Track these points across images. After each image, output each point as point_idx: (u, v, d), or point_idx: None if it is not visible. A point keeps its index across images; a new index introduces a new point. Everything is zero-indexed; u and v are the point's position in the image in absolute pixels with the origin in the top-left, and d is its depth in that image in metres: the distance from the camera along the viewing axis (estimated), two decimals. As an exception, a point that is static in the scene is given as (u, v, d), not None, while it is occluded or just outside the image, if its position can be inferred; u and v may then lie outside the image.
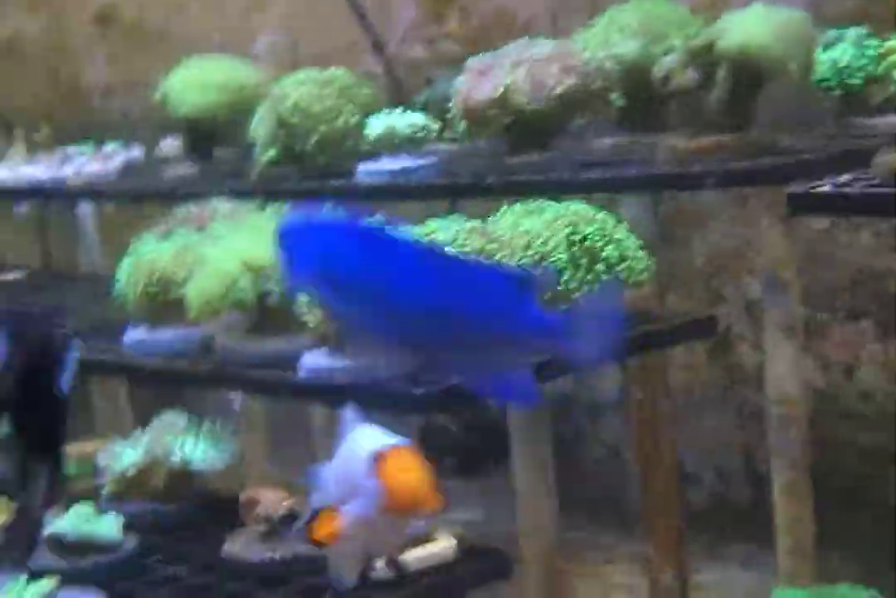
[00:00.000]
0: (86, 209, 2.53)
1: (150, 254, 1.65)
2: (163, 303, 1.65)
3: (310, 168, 2.18)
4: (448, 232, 1.58)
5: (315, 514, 1.04)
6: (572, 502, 1.78)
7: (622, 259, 1.64)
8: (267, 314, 1.56)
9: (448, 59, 2.76)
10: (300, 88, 2.19)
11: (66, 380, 1.36)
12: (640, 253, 1.66)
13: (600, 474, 2.54)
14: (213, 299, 1.52)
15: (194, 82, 2.31)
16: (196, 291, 1.53)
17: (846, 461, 2.21)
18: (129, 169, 2.58)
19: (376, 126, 2.07)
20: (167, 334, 1.67)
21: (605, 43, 1.98)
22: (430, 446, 2.40)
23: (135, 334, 1.71)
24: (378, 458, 0.95)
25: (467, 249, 1.55)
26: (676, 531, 1.87)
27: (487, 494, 2.51)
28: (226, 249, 1.56)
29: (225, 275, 1.50)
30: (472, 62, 1.96)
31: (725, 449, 2.37)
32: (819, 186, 1.43)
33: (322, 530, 0.98)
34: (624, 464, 2.53)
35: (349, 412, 1.04)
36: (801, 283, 1.91)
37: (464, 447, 2.44)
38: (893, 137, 1.78)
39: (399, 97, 2.69)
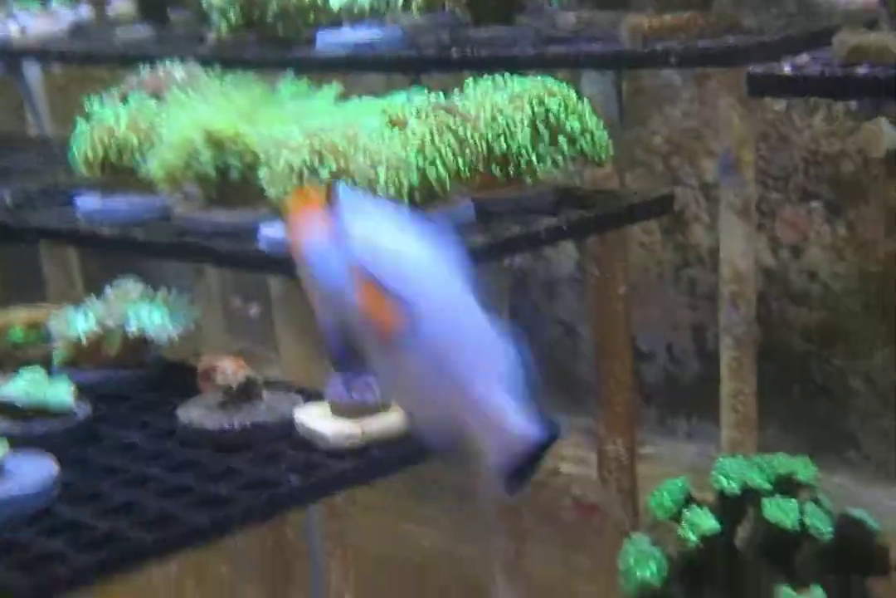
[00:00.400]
0: (33, 70, 2.46)
1: (107, 119, 1.63)
2: (120, 170, 1.64)
3: (269, 36, 2.13)
4: (412, 106, 1.57)
5: None
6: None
7: (584, 133, 1.65)
8: (226, 186, 1.56)
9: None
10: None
11: None
12: (601, 130, 1.67)
13: (554, 350, 2.60)
14: (176, 170, 1.51)
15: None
16: (158, 162, 1.52)
17: (791, 339, 2.28)
18: (78, 30, 2.49)
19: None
20: (123, 202, 1.66)
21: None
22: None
23: (90, 202, 1.69)
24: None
25: (432, 123, 1.55)
26: (627, 405, 1.93)
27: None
28: (187, 118, 1.54)
29: (187, 146, 1.49)
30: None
31: (677, 327, 2.44)
32: (779, 66, 1.43)
33: None
34: (577, 341, 2.60)
35: None
36: (755, 163, 1.93)
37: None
38: (850, 17, 1.79)
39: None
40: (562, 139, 1.63)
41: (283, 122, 1.53)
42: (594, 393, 1.93)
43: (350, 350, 0.97)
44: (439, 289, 0.94)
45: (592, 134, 1.66)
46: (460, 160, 1.54)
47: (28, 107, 2.50)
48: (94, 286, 1.62)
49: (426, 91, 1.68)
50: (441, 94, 1.65)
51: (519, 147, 1.57)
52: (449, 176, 1.52)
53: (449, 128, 1.55)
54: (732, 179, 1.87)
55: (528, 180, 1.60)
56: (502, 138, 1.58)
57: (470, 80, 1.68)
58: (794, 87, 1.39)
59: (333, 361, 1.05)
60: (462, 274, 0.95)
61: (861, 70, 1.33)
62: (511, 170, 1.59)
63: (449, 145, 1.54)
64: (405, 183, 1.46)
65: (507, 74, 1.67)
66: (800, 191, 2.23)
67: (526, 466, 0.97)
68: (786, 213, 2.27)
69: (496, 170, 1.58)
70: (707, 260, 2.38)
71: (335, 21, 2.08)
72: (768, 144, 2.25)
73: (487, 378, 0.95)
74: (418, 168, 1.49)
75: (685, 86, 2.36)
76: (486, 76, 1.69)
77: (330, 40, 2.04)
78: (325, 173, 1.42)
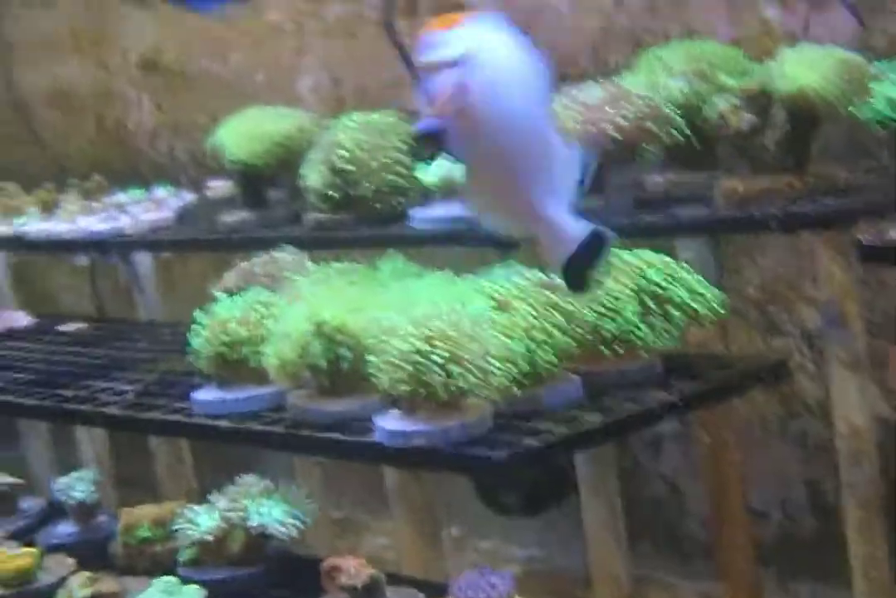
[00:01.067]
0: (143, 257, 2.56)
1: (223, 314, 1.68)
2: (234, 363, 1.67)
3: (364, 215, 2.19)
4: (515, 286, 1.59)
5: None
6: (632, 537, 1.77)
7: (694, 297, 1.64)
8: (338, 375, 1.58)
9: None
10: (351, 134, 2.21)
11: None
12: (708, 289, 1.67)
13: (660, 509, 2.53)
14: (289, 362, 1.54)
15: (246, 133, 2.33)
16: (273, 354, 1.55)
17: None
18: (184, 216, 2.60)
19: (433, 172, 2.09)
20: (240, 394, 1.69)
21: (654, 84, 1.99)
22: (492, 484, 2.42)
23: (206, 394, 1.73)
24: None
25: (533, 302, 1.56)
26: (747, 568, 1.86)
27: (551, 530, 2.51)
28: (297, 310, 1.58)
29: (299, 338, 1.52)
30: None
31: (790, 483, 2.36)
32: (888, 235, 1.42)
33: None
34: (684, 499, 2.53)
35: None
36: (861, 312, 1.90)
37: (528, 484, 2.45)
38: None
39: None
40: (670, 309, 1.62)
41: (388, 308, 1.56)
42: (706, 555, 1.86)
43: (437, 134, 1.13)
44: (519, 95, 1.11)
45: (704, 296, 1.65)
46: (568, 339, 1.55)
47: (137, 292, 2.59)
48: (208, 481, 1.64)
49: (517, 264, 1.70)
50: (537, 269, 1.67)
51: (627, 323, 1.58)
52: (557, 357, 1.52)
53: (555, 307, 1.56)
54: (839, 333, 1.85)
55: (644, 354, 1.59)
56: (608, 317, 1.58)
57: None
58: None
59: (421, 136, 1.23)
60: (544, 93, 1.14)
61: (976, 239, 1.32)
62: (620, 346, 1.59)
63: (556, 325, 1.55)
64: (515, 370, 1.46)
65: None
66: (907, 336, 2.19)
67: (582, 262, 1.18)
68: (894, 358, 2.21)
69: (605, 348, 1.58)
70: (816, 410, 2.32)
71: (429, 197, 2.14)
72: (870, 288, 2.22)
73: (547, 184, 1.13)
74: (528, 351, 1.49)
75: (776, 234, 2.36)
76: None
77: (424, 216, 2.10)
78: (437, 360, 1.43)
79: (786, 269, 2.36)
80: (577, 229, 1.20)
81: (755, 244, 2.37)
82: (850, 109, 1.72)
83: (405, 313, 1.51)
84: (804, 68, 1.69)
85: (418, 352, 1.43)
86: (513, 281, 1.62)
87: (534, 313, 1.53)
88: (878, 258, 1.42)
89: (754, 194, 1.76)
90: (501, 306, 1.56)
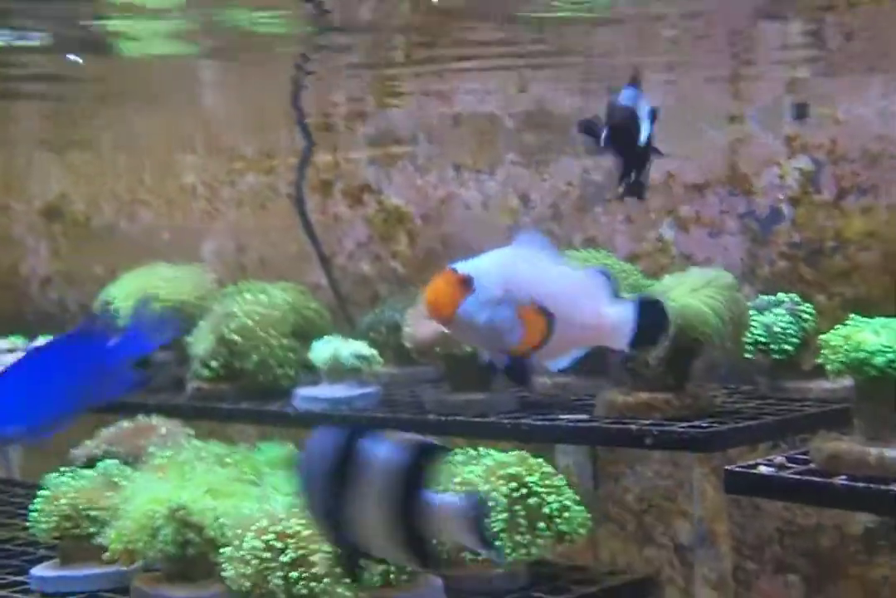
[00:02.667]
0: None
1: (71, 484, 1.59)
2: (77, 538, 1.58)
3: (248, 388, 2.15)
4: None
5: None
6: None
7: (562, 512, 1.61)
8: (186, 560, 1.50)
9: (394, 277, 2.81)
10: (244, 307, 2.20)
11: None
12: (580, 507, 1.64)
13: None
14: (135, 544, 1.45)
15: (137, 292, 2.30)
16: (117, 534, 1.47)
17: None
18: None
19: (321, 351, 2.07)
20: (80, 572, 1.58)
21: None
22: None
23: (46, 569, 1.62)
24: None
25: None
26: None
27: None
28: (155, 488, 1.51)
29: (149, 521, 1.45)
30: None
31: None
32: (755, 464, 1.44)
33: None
34: None
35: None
36: (730, 532, 1.89)
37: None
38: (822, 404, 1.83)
39: (344, 311, 2.72)
40: (540, 524, 1.58)
41: (249, 497, 1.50)
42: None
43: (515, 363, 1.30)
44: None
45: (570, 511, 1.63)
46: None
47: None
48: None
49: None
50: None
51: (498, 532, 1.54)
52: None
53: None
54: (706, 552, 1.83)
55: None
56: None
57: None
58: (771, 490, 1.39)
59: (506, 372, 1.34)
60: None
61: (840, 480, 1.33)
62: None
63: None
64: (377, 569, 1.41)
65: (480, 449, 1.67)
66: (776, 562, 2.19)
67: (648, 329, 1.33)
68: (762, 584, 2.20)
69: (466, 557, 1.54)
70: (683, 628, 2.28)
71: (316, 376, 2.11)
72: (742, 510, 2.23)
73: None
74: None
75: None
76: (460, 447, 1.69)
77: (307, 395, 2.07)
78: (285, 559, 1.37)
79: (664, 480, 2.36)
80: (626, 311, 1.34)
81: (637, 453, 2.38)
82: (729, 335, 1.76)
83: (265, 505, 1.46)
84: (687, 293, 1.75)
85: (267, 549, 1.37)
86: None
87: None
88: (740, 488, 1.42)
89: (633, 408, 1.77)
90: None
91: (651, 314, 1.32)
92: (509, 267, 1.27)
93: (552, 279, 1.29)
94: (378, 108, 2.74)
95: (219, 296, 2.32)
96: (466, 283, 1.24)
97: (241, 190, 3.05)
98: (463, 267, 1.26)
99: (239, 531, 1.40)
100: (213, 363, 2.16)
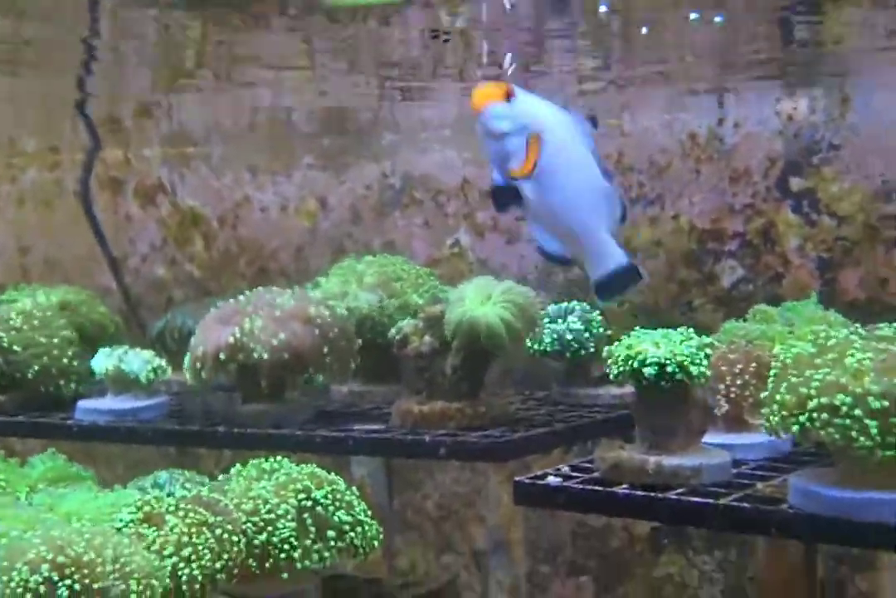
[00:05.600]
0: None
1: None
2: None
3: (28, 400, 2.03)
4: (169, 500, 1.49)
5: None
6: None
7: (353, 527, 1.59)
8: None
9: (190, 281, 2.72)
10: (23, 311, 2.07)
11: None
12: (371, 522, 1.63)
13: None
14: None
15: None
16: None
17: None
18: None
19: (104, 361, 1.97)
20: None
21: (343, 295, 2.01)
22: None
23: None
24: None
25: (188, 520, 1.46)
26: None
27: None
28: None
29: None
30: (215, 310, 1.92)
31: None
32: (543, 475, 1.45)
33: None
34: None
35: None
36: (526, 536, 1.92)
37: None
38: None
39: (135, 316, 2.61)
40: (330, 533, 1.56)
41: (21, 521, 1.40)
42: None
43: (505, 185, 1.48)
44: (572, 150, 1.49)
45: (362, 526, 1.61)
46: (217, 561, 1.45)
47: None
48: None
49: (184, 475, 1.62)
50: (204, 480, 1.58)
51: (281, 541, 1.50)
52: (203, 576, 1.42)
53: (206, 524, 1.46)
54: (501, 558, 1.85)
55: (285, 575, 1.51)
56: (264, 533, 1.50)
57: (237, 467, 1.62)
58: (558, 501, 1.40)
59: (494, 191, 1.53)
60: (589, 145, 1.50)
61: (621, 490, 1.36)
62: (270, 564, 1.51)
63: (206, 544, 1.45)
64: (158, 589, 1.34)
65: (274, 459, 1.63)
66: (569, 564, 2.23)
67: (616, 283, 1.52)
68: (556, 587, 2.25)
69: (255, 564, 1.49)
70: (479, 632, 2.30)
71: (102, 388, 2.01)
72: (538, 514, 2.27)
73: (599, 220, 1.50)
74: (172, 570, 1.38)
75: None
76: (254, 459, 1.64)
77: (90, 407, 1.96)
78: (64, 592, 1.28)
79: (462, 487, 2.38)
80: (619, 254, 1.54)
81: (435, 461, 2.38)
82: (523, 341, 1.78)
83: (40, 529, 1.36)
84: (480, 300, 1.75)
85: (46, 581, 1.28)
86: (168, 493, 1.52)
87: (184, 530, 1.43)
88: (529, 499, 1.43)
89: (427, 418, 1.77)
90: (150, 521, 1.45)
91: (626, 277, 1.53)
92: (545, 108, 1.50)
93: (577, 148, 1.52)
94: (170, 104, 2.64)
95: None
96: (510, 92, 1.48)
97: (22, 186, 2.89)
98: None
99: (13, 561, 1.30)
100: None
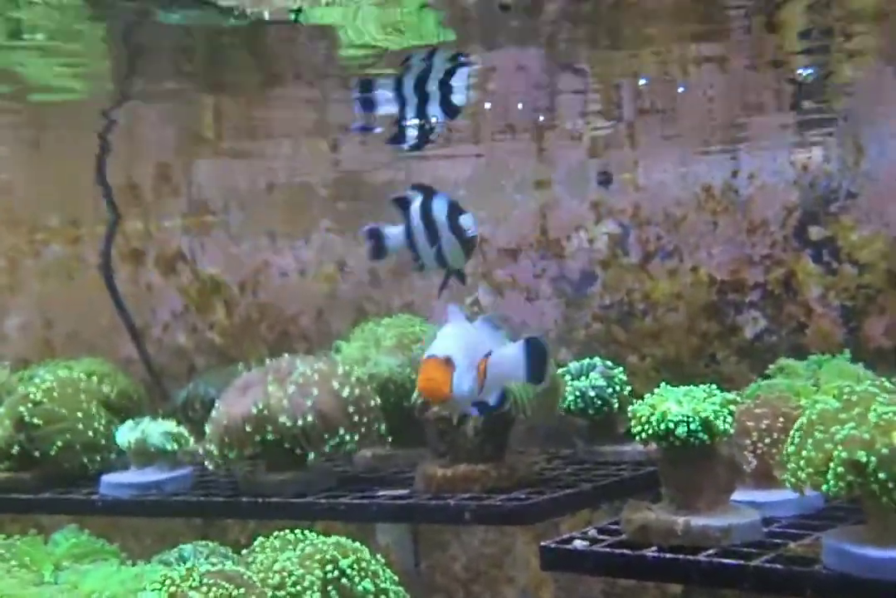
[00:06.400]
0: None
1: None
2: None
3: (50, 475, 2.02)
4: (192, 574, 1.47)
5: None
6: None
7: (378, 595, 1.57)
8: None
9: (211, 348, 2.73)
10: (45, 386, 2.07)
11: None
12: (396, 586, 1.60)
13: None
14: None
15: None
16: None
17: None
18: None
19: (127, 434, 1.97)
20: None
21: (364, 359, 2.01)
22: None
23: None
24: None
25: (212, 594, 1.44)
26: None
27: None
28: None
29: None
30: (237, 380, 1.92)
31: None
32: (569, 538, 1.43)
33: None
34: None
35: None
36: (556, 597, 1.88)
37: None
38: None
39: (159, 386, 2.61)
40: (355, 600, 1.54)
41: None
42: None
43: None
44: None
45: (387, 594, 1.58)
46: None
47: None
48: None
49: (208, 547, 1.60)
50: (228, 552, 1.57)
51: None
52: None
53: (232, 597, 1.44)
54: (535, 622, 1.81)
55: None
56: (289, 604, 1.48)
57: (261, 539, 1.60)
58: (586, 565, 1.38)
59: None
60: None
61: (650, 553, 1.33)
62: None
63: (233, 618, 1.43)
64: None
65: (301, 531, 1.61)
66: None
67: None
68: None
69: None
70: None
71: (124, 461, 2.00)
72: (567, 574, 2.23)
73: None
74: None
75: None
76: (278, 532, 1.62)
77: (114, 481, 1.95)
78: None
79: (490, 548, 2.34)
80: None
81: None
82: (543, 404, 1.76)
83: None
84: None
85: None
86: (193, 567, 1.50)
87: (209, 605, 1.41)
88: (556, 564, 1.41)
89: (451, 481, 1.75)
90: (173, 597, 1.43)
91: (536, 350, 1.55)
92: (466, 341, 1.53)
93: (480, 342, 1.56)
94: (189, 174, 2.67)
95: (16, 379, 2.18)
96: (449, 363, 1.49)
97: (45, 260, 2.92)
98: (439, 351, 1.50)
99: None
100: (13, 451, 2.02)
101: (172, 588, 1.44)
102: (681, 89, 1.93)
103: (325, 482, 1.89)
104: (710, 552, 1.31)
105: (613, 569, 1.36)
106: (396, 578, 1.60)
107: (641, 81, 1.88)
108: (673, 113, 2.06)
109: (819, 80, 1.87)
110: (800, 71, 1.81)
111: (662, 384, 1.44)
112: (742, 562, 1.26)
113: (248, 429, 1.83)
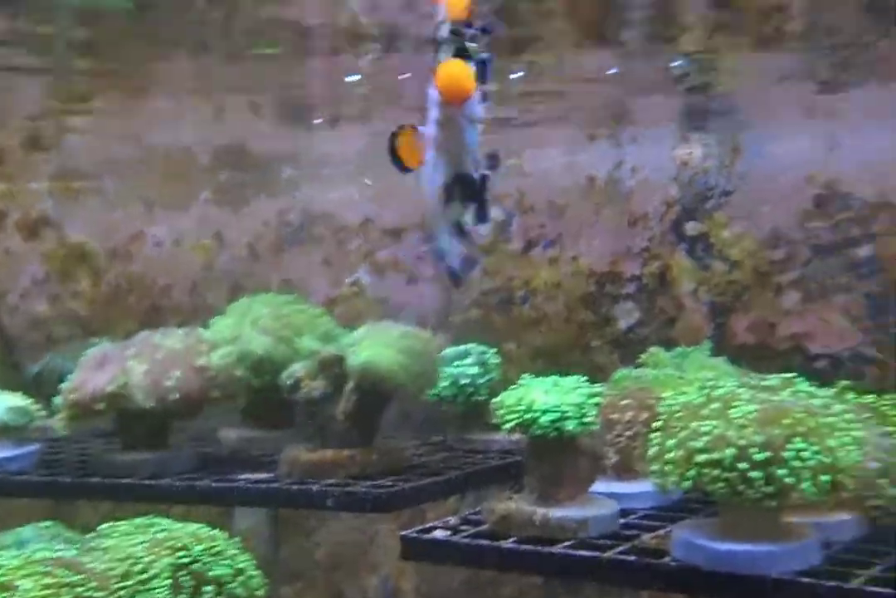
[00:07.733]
0: None
1: None
2: None
3: None
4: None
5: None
6: None
7: (235, 576, 1.52)
8: None
9: (74, 319, 2.61)
10: None
11: None
12: (255, 571, 1.55)
13: None
14: None
15: None
16: None
17: None
18: None
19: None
20: None
21: (237, 338, 1.94)
22: None
23: None
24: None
25: (46, 581, 1.37)
26: None
27: None
28: None
29: None
30: (93, 351, 1.83)
31: None
32: (430, 528, 1.40)
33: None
34: None
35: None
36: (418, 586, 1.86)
37: None
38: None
39: (11, 356, 2.50)
40: (208, 588, 1.48)
41: None
42: None
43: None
44: None
45: (243, 574, 1.53)
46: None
47: None
48: None
49: (52, 530, 1.53)
50: (75, 536, 1.50)
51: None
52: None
53: (69, 586, 1.37)
54: (393, 610, 1.78)
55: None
56: (138, 596, 1.42)
57: (109, 523, 1.53)
58: (445, 555, 1.35)
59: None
60: None
61: (507, 544, 1.31)
62: None
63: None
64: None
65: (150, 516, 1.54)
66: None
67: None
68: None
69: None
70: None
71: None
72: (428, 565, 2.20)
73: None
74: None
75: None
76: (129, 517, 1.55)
77: (-41, 455, 1.85)
78: None
79: (356, 535, 2.30)
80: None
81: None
82: (416, 389, 1.73)
83: None
84: (376, 345, 1.70)
85: None
86: (23, 553, 1.43)
87: (38, 592, 1.34)
88: (417, 554, 1.38)
89: (317, 466, 1.70)
90: (3, 587, 1.36)
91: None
92: None
93: None
94: (60, 132, 2.54)
95: None
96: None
97: None
98: None
99: None
100: None
101: (2, 577, 1.37)
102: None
103: (185, 464, 1.82)
104: (567, 543, 1.29)
105: (472, 559, 1.34)
106: (255, 563, 1.55)
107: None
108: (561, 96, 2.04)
109: (703, 74, 1.87)
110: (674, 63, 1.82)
111: (525, 375, 1.42)
112: (596, 554, 1.25)
113: (100, 406, 1.75)
